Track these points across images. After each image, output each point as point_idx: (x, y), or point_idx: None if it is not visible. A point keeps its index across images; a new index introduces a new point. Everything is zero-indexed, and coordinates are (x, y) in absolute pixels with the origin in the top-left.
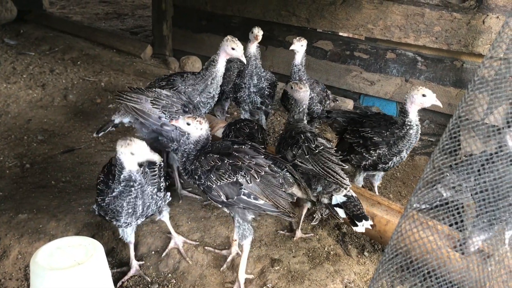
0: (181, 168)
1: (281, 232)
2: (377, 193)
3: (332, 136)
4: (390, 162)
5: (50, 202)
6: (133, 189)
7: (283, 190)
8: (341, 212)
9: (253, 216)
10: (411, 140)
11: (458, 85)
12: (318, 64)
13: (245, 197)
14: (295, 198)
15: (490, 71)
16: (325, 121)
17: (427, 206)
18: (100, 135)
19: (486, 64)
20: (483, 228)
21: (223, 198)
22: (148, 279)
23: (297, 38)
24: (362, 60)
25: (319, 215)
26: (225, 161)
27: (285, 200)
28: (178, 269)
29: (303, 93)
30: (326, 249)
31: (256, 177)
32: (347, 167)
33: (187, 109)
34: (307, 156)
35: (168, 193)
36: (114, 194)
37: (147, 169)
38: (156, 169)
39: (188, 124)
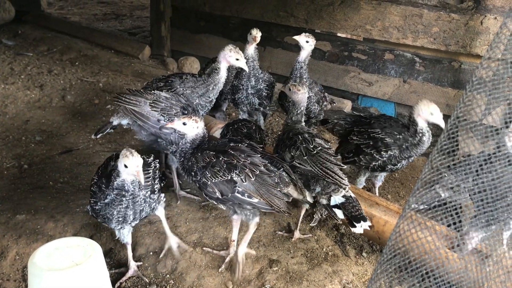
0: (180, 167)
1: (280, 232)
2: (377, 193)
3: (330, 137)
4: (399, 164)
5: (48, 203)
6: (124, 199)
7: (278, 189)
8: (339, 213)
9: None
10: (424, 146)
11: (456, 86)
12: (316, 65)
13: (239, 195)
14: (290, 198)
15: (488, 72)
16: (325, 126)
17: (426, 206)
18: (98, 136)
19: (484, 65)
20: (480, 227)
21: (218, 195)
22: (146, 279)
23: (307, 34)
24: (360, 61)
25: (318, 216)
26: (220, 159)
27: (280, 200)
28: (176, 269)
29: (302, 95)
30: (324, 249)
31: (251, 176)
32: (345, 167)
33: (186, 112)
34: (305, 157)
35: (163, 195)
36: (106, 201)
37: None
38: (151, 171)
39: (185, 124)
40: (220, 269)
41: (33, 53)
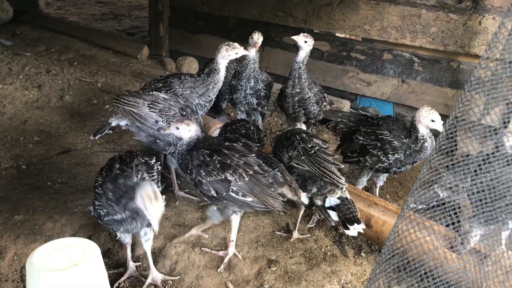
0: (178, 166)
1: (278, 233)
2: (377, 193)
3: (329, 137)
4: (403, 168)
5: (46, 203)
6: (134, 221)
7: (272, 189)
8: (333, 215)
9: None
10: (427, 152)
11: (454, 86)
12: (315, 65)
13: (233, 194)
14: (285, 197)
15: (486, 72)
16: (327, 124)
17: (424, 206)
18: (97, 137)
19: (482, 65)
20: (481, 224)
21: (213, 193)
22: (144, 280)
23: (305, 34)
24: (359, 61)
25: (316, 217)
26: (214, 158)
27: (275, 199)
28: (175, 270)
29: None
30: (323, 249)
31: (245, 176)
32: (343, 166)
33: (184, 113)
34: (303, 157)
35: (163, 196)
36: (115, 217)
37: (146, 176)
38: (155, 173)
39: (177, 128)
40: (219, 270)
41: (31, 53)
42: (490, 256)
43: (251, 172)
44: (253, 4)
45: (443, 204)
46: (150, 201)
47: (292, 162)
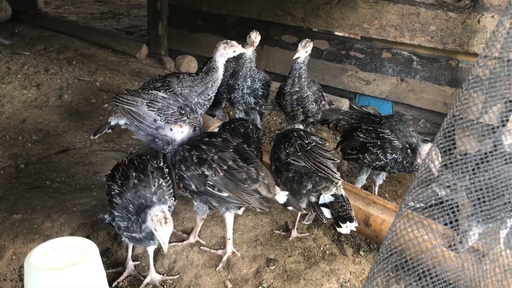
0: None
1: (277, 231)
2: (376, 191)
3: (327, 136)
4: (396, 169)
5: (45, 202)
6: (151, 241)
7: (246, 185)
8: (326, 212)
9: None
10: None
11: (453, 84)
12: (314, 64)
13: (210, 189)
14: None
15: (484, 70)
16: (328, 122)
17: (422, 205)
18: (96, 137)
19: (480, 63)
20: (480, 223)
21: (193, 187)
22: (143, 279)
23: (303, 43)
24: (358, 59)
25: (312, 213)
26: (192, 153)
27: (250, 196)
28: (174, 269)
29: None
30: (321, 248)
31: (219, 171)
32: (338, 160)
33: (183, 112)
34: (299, 153)
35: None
36: (133, 234)
37: (162, 182)
38: (168, 177)
39: (171, 130)
40: (217, 268)
41: (30, 52)
42: (488, 255)
43: (225, 167)
44: (251, 3)
45: (442, 202)
46: (160, 224)
47: (289, 159)
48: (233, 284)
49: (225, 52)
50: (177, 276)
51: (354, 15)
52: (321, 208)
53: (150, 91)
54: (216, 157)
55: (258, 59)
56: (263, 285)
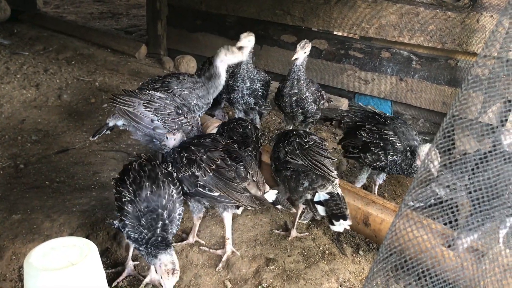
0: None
1: (276, 231)
2: (376, 191)
3: (327, 136)
4: (395, 172)
5: (44, 202)
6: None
7: (235, 184)
8: (321, 210)
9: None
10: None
11: (452, 83)
12: (313, 63)
13: (201, 189)
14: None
15: (483, 70)
16: (332, 120)
17: (422, 204)
18: (95, 138)
19: (479, 63)
20: (474, 228)
21: (186, 189)
22: (143, 279)
23: (301, 44)
24: (357, 59)
25: (309, 213)
26: (182, 154)
27: (240, 194)
28: None
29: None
30: (321, 248)
31: (208, 170)
32: (335, 159)
33: (180, 111)
34: (297, 151)
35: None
36: (141, 249)
37: (173, 190)
38: (178, 184)
39: (167, 138)
40: (217, 268)
41: (29, 52)
42: (488, 255)
43: (213, 167)
44: (251, 3)
45: (441, 202)
46: (167, 275)
47: (287, 157)
48: (232, 284)
49: (226, 58)
50: None
51: (353, 15)
52: (316, 205)
53: (147, 92)
54: (205, 157)
55: (258, 58)
56: (263, 284)
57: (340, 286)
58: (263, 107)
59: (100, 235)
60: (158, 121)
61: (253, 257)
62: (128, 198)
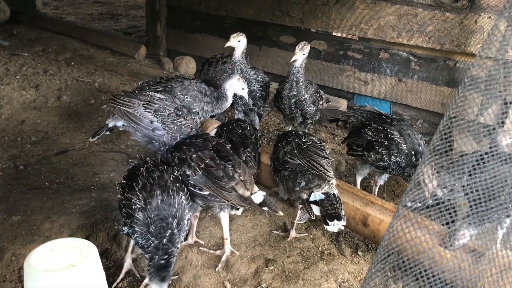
0: None
1: (275, 232)
2: (376, 192)
3: (326, 137)
4: (397, 173)
5: (44, 203)
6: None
7: (223, 183)
8: (316, 209)
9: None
10: None
11: (451, 84)
12: (312, 64)
13: (192, 188)
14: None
15: (480, 72)
16: (338, 120)
17: (420, 205)
18: (95, 139)
19: (476, 65)
20: (472, 225)
21: None
22: (138, 276)
23: (300, 46)
24: (356, 60)
25: (303, 212)
26: (174, 154)
27: (229, 193)
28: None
29: None
30: (320, 248)
31: (198, 169)
32: (332, 159)
33: (180, 113)
34: (295, 151)
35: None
36: (146, 256)
37: (182, 196)
38: (185, 189)
39: None
40: (217, 269)
41: (29, 53)
42: (486, 255)
43: (203, 166)
44: (250, 4)
45: (438, 204)
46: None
47: (286, 157)
48: (232, 285)
49: (236, 84)
50: (176, 276)
51: (352, 16)
52: (311, 205)
53: (147, 93)
54: (194, 156)
55: (257, 59)
56: (262, 285)
57: (339, 286)
58: (262, 108)
59: (99, 236)
60: (157, 122)
61: (252, 257)
62: (139, 206)
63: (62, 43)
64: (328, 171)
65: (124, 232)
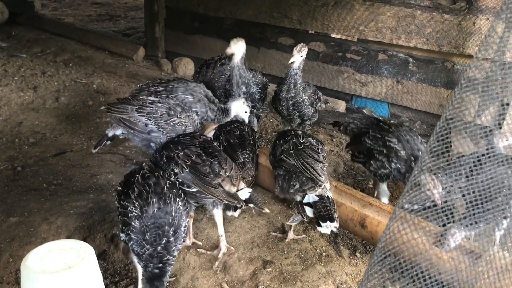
0: None
1: (273, 233)
2: (376, 194)
3: (324, 138)
4: (399, 179)
5: (42, 205)
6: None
7: (210, 179)
8: (309, 211)
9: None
10: None
11: (449, 86)
12: (310, 66)
13: (181, 186)
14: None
15: (477, 74)
16: (338, 126)
17: (417, 207)
18: (97, 150)
19: (473, 67)
20: (464, 226)
21: None
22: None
23: (297, 48)
24: (354, 61)
25: (296, 214)
26: (162, 153)
27: (216, 189)
28: None
29: None
30: (318, 250)
31: (185, 166)
32: (327, 164)
33: (172, 112)
34: (292, 151)
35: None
36: (141, 263)
37: (179, 202)
38: (182, 195)
39: None
40: (214, 267)
41: (27, 55)
42: (484, 257)
43: (189, 163)
44: (248, 5)
45: (435, 205)
46: None
47: (282, 156)
48: (229, 286)
49: (241, 107)
50: (174, 278)
51: (350, 17)
52: (304, 206)
53: (140, 97)
54: (181, 153)
55: (255, 61)
56: (260, 287)
57: None
58: (260, 110)
59: (97, 238)
60: (151, 124)
61: (250, 259)
62: (135, 214)
63: (61, 44)
64: (320, 176)
65: (122, 239)
